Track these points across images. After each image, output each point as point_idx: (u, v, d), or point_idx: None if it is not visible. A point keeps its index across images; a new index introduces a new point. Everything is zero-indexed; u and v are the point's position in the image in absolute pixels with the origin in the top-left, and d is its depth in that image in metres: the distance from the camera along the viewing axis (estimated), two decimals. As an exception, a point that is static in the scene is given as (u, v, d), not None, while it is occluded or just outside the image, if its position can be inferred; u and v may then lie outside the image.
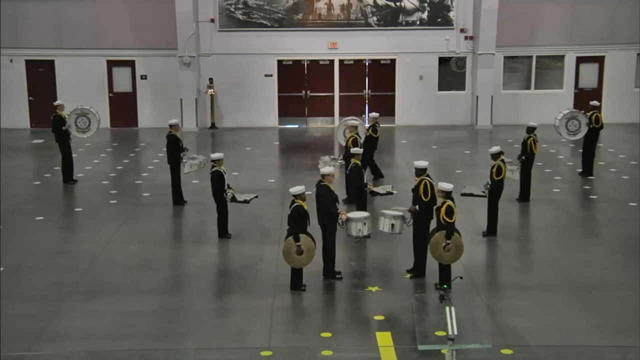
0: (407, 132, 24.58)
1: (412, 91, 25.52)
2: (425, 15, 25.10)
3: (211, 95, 25.17)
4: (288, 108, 25.81)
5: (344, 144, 19.01)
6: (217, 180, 13.89)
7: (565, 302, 11.36)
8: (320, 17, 25.15)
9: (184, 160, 16.12)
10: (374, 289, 11.82)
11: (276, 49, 25.19)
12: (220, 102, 25.52)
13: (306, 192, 11.59)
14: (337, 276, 12.11)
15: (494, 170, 13.85)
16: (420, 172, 12.05)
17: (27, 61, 25.36)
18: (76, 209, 16.49)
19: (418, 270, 12.19)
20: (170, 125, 16.35)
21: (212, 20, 24.93)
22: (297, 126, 25.80)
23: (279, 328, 10.53)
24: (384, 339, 10.12)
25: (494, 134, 24.20)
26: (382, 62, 25.68)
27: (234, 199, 14.01)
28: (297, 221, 11.39)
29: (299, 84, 25.74)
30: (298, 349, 9.96)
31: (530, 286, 11.98)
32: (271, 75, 25.48)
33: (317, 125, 25.81)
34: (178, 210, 16.14)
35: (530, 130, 16.19)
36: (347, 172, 15.03)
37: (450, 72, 25.67)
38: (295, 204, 11.40)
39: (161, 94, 25.22)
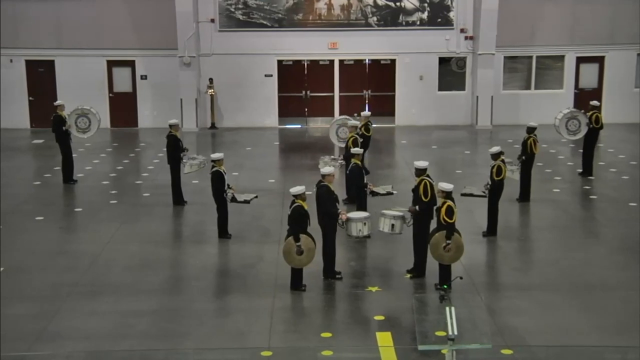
0: (407, 132, 24.58)
1: (412, 91, 25.52)
2: (425, 15, 25.10)
3: (211, 95, 25.17)
4: (288, 108, 25.81)
5: (336, 144, 19.04)
6: (217, 181, 13.89)
7: (565, 302, 11.36)
8: (320, 17, 25.15)
9: (184, 161, 16.12)
10: (374, 289, 11.82)
11: (276, 49, 25.19)
12: (221, 102, 25.52)
13: (306, 192, 11.59)
14: (337, 276, 12.12)
15: (494, 170, 13.86)
16: (420, 172, 12.06)
17: (27, 61, 25.36)
18: (76, 209, 16.50)
19: (418, 271, 12.19)
20: (170, 126, 16.35)
21: (212, 21, 24.93)
22: (298, 126, 25.79)
23: (279, 328, 10.53)
24: (384, 339, 10.12)
25: (494, 134, 24.20)
26: (382, 62, 25.69)
27: (234, 199, 14.01)
28: (298, 221, 11.39)
29: (299, 84, 25.74)
30: (298, 349, 9.96)
31: (531, 286, 11.99)
32: (271, 76, 25.48)
33: (317, 125, 25.81)
34: (178, 210, 16.14)
35: (531, 130, 16.20)
36: (347, 172, 15.03)
37: (451, 72, 25.67)
38: (296, 204, 11.40)
39: (161, 94, 25.22)
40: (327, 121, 25.66)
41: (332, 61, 25.56)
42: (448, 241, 11.34)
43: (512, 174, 15.42)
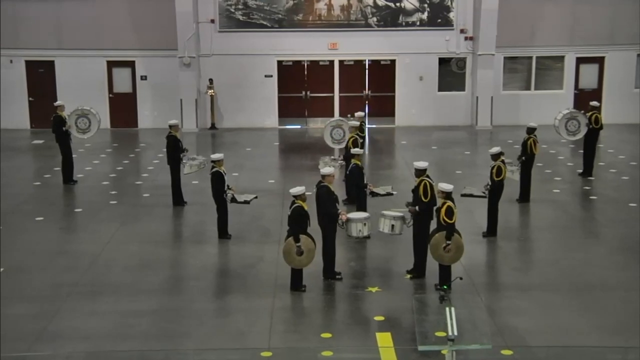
0: (407, 133, 24.58)
1: (412, 92, 25.52)
2: (425, 15, 25.10)
3: (211, 95, 25.17)
4: (288, 109, 25.81)
5: (331, 145, 19.02)
6: (217, 181, 13.89)
7: (565, 302, 11.36)
8: (320, 17, 25.15)
9: (184, 161, 16.12)
10: (374, 289, 11.82)
11: (276, 49, 25.19)
12: (220, 103, 25.52)
13: (306, 193, 11.59)
14: (337, 277, 12.12)
15: (494, 170, 13.86)
16: (420, 172, 12.06)
17: (27, 62, 25.35)
18: (76, 210, 16.50)
19: (418, 271, 12.19)
20: (170, 126, 16.35)
21: (212, 21, 24.93)
22: (298, 127, 25.79)
23: (279, 328, 10.54)
24: (384, 339, 10.12)
25: (494, 134, 24.20)
26: (382, 62, 25.69)
27: (234, 200, 14.02)
28: (298, 222, 11.39)
29: (299, 85, 25.74)
30: (298, 350, 9.96)
31: (531, 286, 11.99)
32: (271, 76, 25.48)
33: (317, 125, 25.79)
34: (178, 210, 16.14)
35: (531, 130, 16.20)
36: (347, 172, 15.03)
37: (450, 73, 25.67)
38: (296, 205, 11.40)
39: (161, 95, 25.22)
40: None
41: (332, 62, 25.56)
42: (448, 242, 11.34)
43: (512, 175, 15.43)
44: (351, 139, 16.18)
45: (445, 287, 8.95)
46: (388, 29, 25.13)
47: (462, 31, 25.10)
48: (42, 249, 13.84)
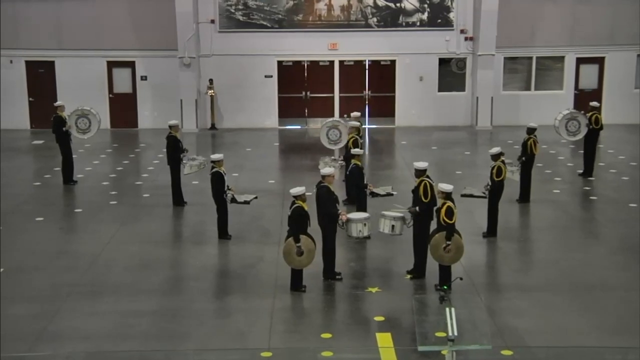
0: (407, 133, 24.58)
1: (412, 92, 25.52)
2: (425, 16, 25.11)
3: (211, 96, 25.17)
4: (288, 109, 25.80)
5: (327, 146, 18.99)
6: (217, 181, 13.89)
7: (565, 302, 11.36)
8: (320, 18, 25.15)
9: (184, 161, 16.12)
10: (374, 289, 11.82)
11: (276, 49, 25.19)
12: (220, 103, 25.52)
13: (306, 193, 11.59)
14: (337, 277, 12.12)
15: (494, 171, 13.86)
16: (420, 173, 12.06)
17: (27, 62, 25.35)
18: (76, 210, 16.50)
19: (418, 271, 12.19)
20: (170, 126, 16.35)
21: (212, 21, 24.93)
22: (298, 127, 25.79)
23: (279, 329, 10.54)
24: (384, 339, 10.12)
25: (494, 134, 24.20)
26: (382, 63, 25.69)
27: (233, 200, 14.02)
28: (298, 222, 11.39)
29: (299, 85, 25.74)
30: (298, 350, 9.96)
31: (531, 287, 11.99)
32: (271, 76, 25.48)
33: (317, 126, 25.74)
34: (178, 211, 16.14)
35: (531, 131, 16.20)
36: (347, 172, 15.03)
37: (450, 73, 25.67)
38: (296, 205, 11.40)
39: (161, 95, 25.22)
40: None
41: (332, 62, 25.56)
42: (448, 242, 11.34)
43: (512, 175, 15.43)
44: (351, 140, 16.17)
45: (445, 287, 8.96)
46: (388, 29, 25.13)
47: (462, 31, 25.10)
48: (42, 249, 13.84)
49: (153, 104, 25.51)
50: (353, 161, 14.31)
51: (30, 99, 25.55)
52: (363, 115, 24.48)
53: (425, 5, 25.03)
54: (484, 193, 14.12)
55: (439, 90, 25.63)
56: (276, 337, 10.27)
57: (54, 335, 10.38)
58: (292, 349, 9.98)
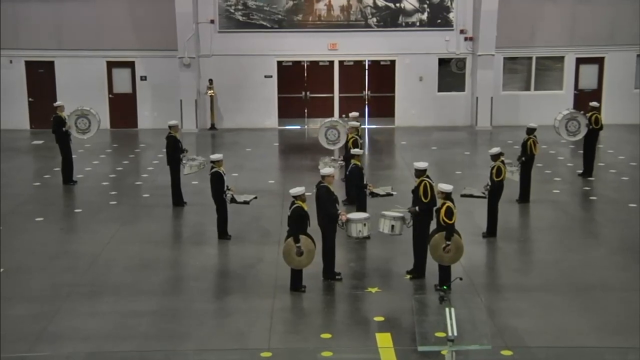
0: (407, 133, 24.58)
1: (412, 92, 25.52)
2: (425, 16, 25.11)
3: (211, 96, 25.17)
4: (288, 109, 25.80)
5: (325, 146, 19.01)
6: (217, 182, 13.89)
7: (565, 303, 11.36)
8: (320, 18, 25.15)
9: (183, 162, 16.12)
10: (373, 290, 11.82)
11: (276, 50, 25.18)
12: (220, 103, 25.53)
13: (306, 193, 11.59)
14: (336, 277, 12.12)
15: (494, 171, 13.87)
16: (420, 173, 12.06)
17: (27, 62, 25.35)
18: (76, 210, 16.50)
19: (418, 271, 12.19)
20: (170, 127, 16.35)
21: (212, 21, 24.93)
22: (298, 127, 25.79)
23: (279, 329, 10.54)
24: (383, 340, 10.12)
25: (493, 135, 24.21)
26: (382, 63, 25.69)
27: (233, 200, 14.02)
28: (297, 222, 11.39)
29: (299, 85, 25.74)
30: (298, 350, 9.96)
31: (530, 287, 11.99)
32: (271, 76, 25.47)
33: (317, 126, 25.72)
34: (178, 211, 16.15)
35: (530, 131, 16.20)
36: (347, 173, 15.03)
37: (450, 73, 25.67)
38: (295, 205, 11.40)
39: (161, 95, 25.22)
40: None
41: (331, 62, 25.56)
42: (448, 242, 11.34)
43: (512, 175, 15.43)
44: (351, 140, 16.17)
45: (445, 287, 8.96)
46: (388, 30, 25.13)
47: (461, 32, 25.10)
48: (42, 249, 13.84)
49: (153, 104, 25.51)
50: (353, 161, 14.31)
51: (30, 99, 25.55)
52: (363, 115, 24.50)
53: (425, 6, 25.03)
54: (483, 193, 14.12)
55: (439, 91, 25.63)
56: (276, 337, 10.28)
57: (54, 335, 10.39)
58: (292, 349, 9.98)
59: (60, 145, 18.20)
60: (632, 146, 22.30)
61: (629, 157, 20.81)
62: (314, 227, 11.82)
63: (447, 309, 8.05)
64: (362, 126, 21.57)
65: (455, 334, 7.93)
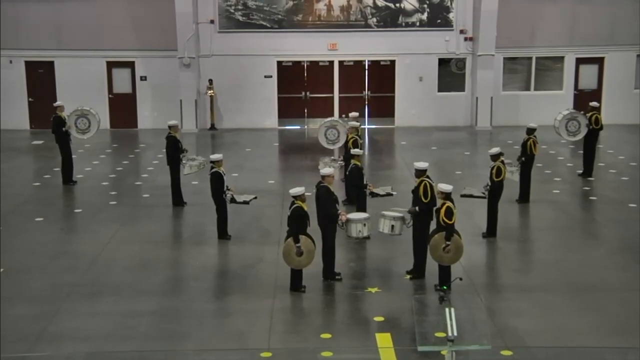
0: (406, 133, 24.58)
1: (412, 92, 25.52)
2: (425, 16, 25.11)
3: (211, 96, 25.18)
4: (288, 109, 25.80)
5: (325, 146, 19.00)
6: (217, 182, 13.89)
7: (565, 303, 11.36)
8: (319, 18, 25.15)
9: (183, 162, 16.12)
10: (373, 290, 11.82)
11: (276, 50, 25.18)
12: (220, 103, 25.52)
13: (306, 193, 11.60)
14: (336, 277, 12.12)
15: (494, 171, 13.86)
16: (420, 173, 12.06)
17: (26, 62, 25.36)
18: (76, 210, 16.50)
19: (418, 272, 12.19)
20: (170, 127, 16.35)
21: (212, 22, 24.93)
22: (298, 127, 25.79)
23: (279, 329, 10.54)
24: (383, 340, 10.12)
25: (493, 135, 24.21)
26: (381, 63, 25.69)
27: (233, 200, 14.02)
28: (297, 222, 11.40)
29: (299, 85, 25.74)
30: (298, 350, 9.96)
31: (530, 287, 11.99)
32: (271, 77, 25.47)
33: (317, 126, 25.70)
34: (178, 211, 16.15)
35: (530, 131, 16.21)
36: (347, 173, 15.03)
37: (450, 73, 25.67)
38: (295, 205, 11.40)
39: (161, 95, 25.22)
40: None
41: (331, 62, 25.56)
42: (448, 242, 11.34)
43: (512, 175, 15.44)
44: (351, 140, 16.16)
45: (444, 287, 8.96)
46: (388, 30, 25.13)
47: (461, 32, 25.10)
48: (42, 249, 13.84)
49: (153, 104, 25.50)
50: (353, 161, 14.30)
51: (30, 99, 25.55)
52: (363, 115, 24.50)
53: (425, 6, 25.03)
54: (483, 193, 14.12)
55: (439, 91, 25.63)
56: (276, 337, 10.28)
57: (54, 335, 10.39)
58: (291, 349, 9.98)
59: (60, 145, 18.20)
60: (632, 146, 22.30)
61: (629, 157, 20.81)
62: (314, 227, 11.82)
63: (447, 309, 8.05)
64: (362, 126, 21.58)
65: (455, 334, 7.93)
